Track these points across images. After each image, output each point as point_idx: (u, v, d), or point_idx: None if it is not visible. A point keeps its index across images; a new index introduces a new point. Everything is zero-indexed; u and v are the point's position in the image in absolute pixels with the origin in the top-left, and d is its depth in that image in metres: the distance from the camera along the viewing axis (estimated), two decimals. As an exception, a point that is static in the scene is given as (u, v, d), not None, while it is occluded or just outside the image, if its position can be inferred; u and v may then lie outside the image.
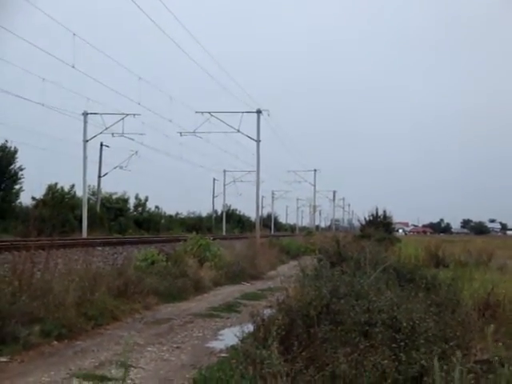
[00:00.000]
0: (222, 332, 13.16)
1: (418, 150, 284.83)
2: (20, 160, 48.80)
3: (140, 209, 63.33)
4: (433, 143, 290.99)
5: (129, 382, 8.51)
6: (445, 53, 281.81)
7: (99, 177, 53.65)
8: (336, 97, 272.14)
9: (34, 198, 48.01)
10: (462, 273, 15.78)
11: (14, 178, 48.65)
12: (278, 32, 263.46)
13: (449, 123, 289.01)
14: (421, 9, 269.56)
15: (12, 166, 48.44)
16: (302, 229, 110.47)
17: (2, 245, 19.30)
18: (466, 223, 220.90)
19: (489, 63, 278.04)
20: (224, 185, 76.77)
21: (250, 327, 8.67)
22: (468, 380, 5.30)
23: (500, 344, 7.16)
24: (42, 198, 47.56)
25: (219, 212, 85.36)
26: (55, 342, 11.08)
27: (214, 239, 27.78)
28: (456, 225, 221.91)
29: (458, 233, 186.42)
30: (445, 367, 5.48)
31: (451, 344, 6.58)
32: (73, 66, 30.57)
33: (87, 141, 42.39)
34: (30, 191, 49.27)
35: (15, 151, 48.32)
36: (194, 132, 42.91)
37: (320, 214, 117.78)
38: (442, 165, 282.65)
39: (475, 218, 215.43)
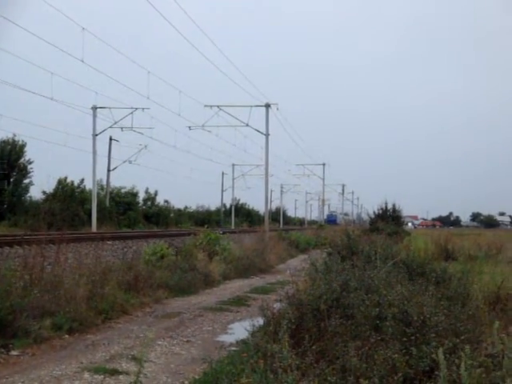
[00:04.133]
0: (231, 326, 13.19)
1: (427, 144, 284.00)
2: (29, 154, 49.16)
3: (149, 203, 63.44)
4: (441, 137, 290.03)
5: (140, 375, 8.52)
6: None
7: (108, 171, 53.75)
8: (344, 92, 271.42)
9: (44, 192, 48.25)
10: (472, 266, 15.73)
11: (24, 171, 48.90)
12: (282, 24, 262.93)
13: (457, 116, 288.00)
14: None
15: (21, 160, 48.69)
16: (311, 222, 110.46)
17: (12, 239, 19.38)
18: (475, 216, 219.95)
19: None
20: (233, 179, 76.99)
21: (260, 321, 8.69)
22: (477, 374, 5.28)
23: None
24: (51, 192, 47.73)
25: (228, 206, 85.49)
26: (66, 336, 11.15)
27: (223, 233, 27.82)
28: (465, 218, 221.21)
29: (467, 226, 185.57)
30: (456, 361, 5.47)
31: (462, 338, 6.56)
32: (82, 61, 30.60)
33: (96, 135, 42.47)
34: (39, 185, 49.53)
35: (23, 145, 48.57)
36: (202, 126, 42.95)
37: (329, 208, 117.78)
38: (451, 158, 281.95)
39: (485, 211, 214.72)
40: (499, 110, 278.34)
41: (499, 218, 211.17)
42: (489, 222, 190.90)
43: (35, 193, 49.92)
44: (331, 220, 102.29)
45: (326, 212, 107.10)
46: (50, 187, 47.90)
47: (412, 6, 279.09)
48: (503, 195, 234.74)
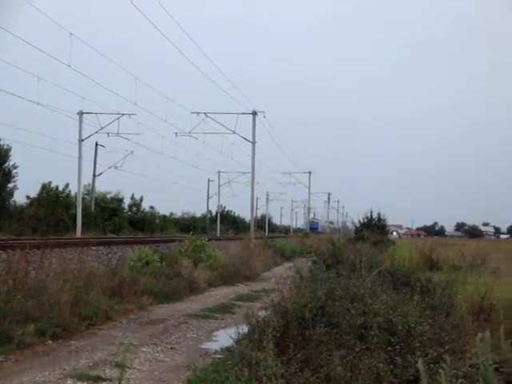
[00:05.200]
0: (216, 333, 13.16)
1: (413, 154, 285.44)
2: (14, 159, 48.67)
3: (135, 209, 63.19)
4: (427, 146, 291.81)
5: (123, 382, 8.48)
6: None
7: (94, 176, 53.50)
8: (331, 100, 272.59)
9: (28, 197, 47.89)
10: (456, 276, 15.79)
11: (8, 176, 48.48)
12: (270, 32, 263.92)
13: (441, 125, 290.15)
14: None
15: (6, 165, 48.29)
16: (297, 230, 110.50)
17: (-4, 243, 19.21)
18: (459, 226, 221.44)
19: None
20: (219, 186, 76.83)
21: (245, 329, 8.67)
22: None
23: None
24: (36, 196, 47.38)
25: (214, 213, 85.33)
26: (49, 342, 11.06)
27: (209, 240, 27.77)
28: (450, 228, 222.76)
29: (451, 236, 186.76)
30: (440, 371, 5.49)
31: (446, 348, 6.59)
32: (69, 66, 30.46)
33: (82, 140, 42.26)
34: (24, 190, 49.11)
35: (8, 149, 48.18)
36: (189, 133, 42.89)
37: (314, 216, 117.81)
38: (437, 168, 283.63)
39: (469, 221, 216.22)
40: (491, 123, 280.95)
41: (483, 229, 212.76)
42: (473, 232, 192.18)
43: (20, 198, 49.58)
44: (313, 228, 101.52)
45: (313, 220, 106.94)
46: (35, 192, 47.61)
47: (409, 11, 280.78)
48: (487, 206, 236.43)
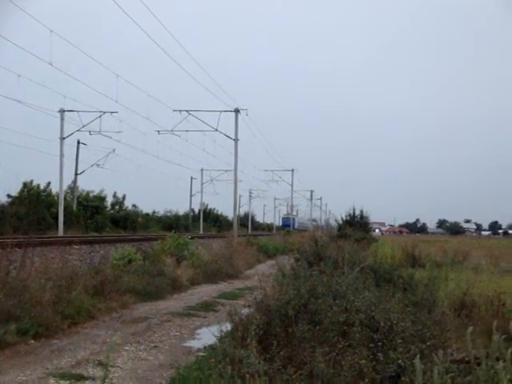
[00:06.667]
0: (199, 331, 13.14)
1: (396, 152, 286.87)
2: (-5, 157, 48.28)
3: (117, 207, 62.91)
4: (410, 145, 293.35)
5: (106, 381, 8.44)
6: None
7: (76, 174, 53.18)
8: (314, 100, 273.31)
9: (9, 196, 47.52)
10: (438, 273, 15.94)
11: (-11, 175, 48.07)
12: (256, 30, 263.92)
13: (426, 124, 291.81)
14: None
15: (-14, 163, 47.85)
16: (280, 228, 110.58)
17: (-23, 242, 19.05)
18: (441, 223, 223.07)
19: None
20: (201, 183, 76.69)
21: (228, 326, 8.67)
22: (447, 380, 5.34)
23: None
24: (17, 195, 47.02)
25: (196, 211, 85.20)
26: (32, 341, 11.00)
27: (192, 238, 27.73)
28: (431, 225, 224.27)
29: (433, 233, 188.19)
30: (424, 367, 5.53)
31: (428, 344, 6.64)
32: (50, 64, 30.24)
33: (64, 138, 41.98)
34: (5, 189, 48.71)
35: (-12, 148, 47.76)
36: (171, 130, 42.75)
37: (297, 214, 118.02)
38: (418, 165, 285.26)
39: (450, 218, 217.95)
40: (474, 120, 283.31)
41: (465, 225, 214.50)
42: (455, 229, 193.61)
43: (0, 196, 49.15)
44: (287, 224, 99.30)
45: (288, 216, 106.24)
46: (16, 191, 47.24)
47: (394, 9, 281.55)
48: (469, 203, 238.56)
